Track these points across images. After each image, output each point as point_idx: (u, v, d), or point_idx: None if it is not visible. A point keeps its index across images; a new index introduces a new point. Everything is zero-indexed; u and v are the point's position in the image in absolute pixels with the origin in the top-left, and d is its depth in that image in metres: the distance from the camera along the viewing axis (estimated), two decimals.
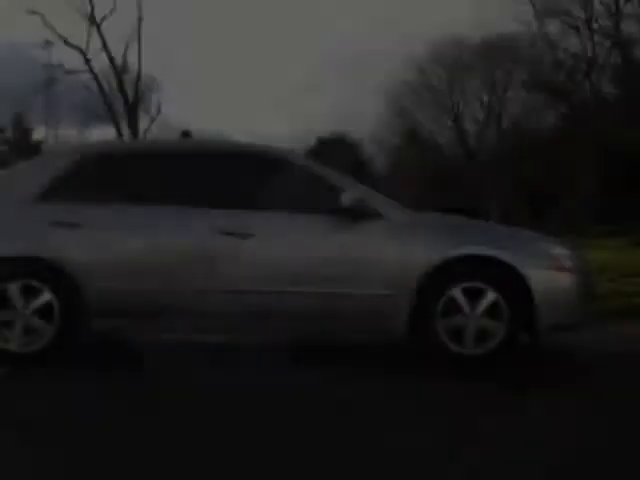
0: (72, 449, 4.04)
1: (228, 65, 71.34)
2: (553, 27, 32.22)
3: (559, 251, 6.31)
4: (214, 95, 70.32)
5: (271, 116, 73.43)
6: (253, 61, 74.77)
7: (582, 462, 3.80)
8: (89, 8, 35.92)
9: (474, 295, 6.01)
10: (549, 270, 6.12)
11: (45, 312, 6.06)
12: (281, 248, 6.19)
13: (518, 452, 3.97)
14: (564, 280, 6.15)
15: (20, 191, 6.34)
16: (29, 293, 6.07)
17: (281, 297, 6.07)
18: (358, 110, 58.81)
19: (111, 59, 36.87)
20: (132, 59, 36.96)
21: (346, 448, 4.03)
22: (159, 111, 38.19)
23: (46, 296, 6.07)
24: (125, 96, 37.05)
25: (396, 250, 6.06)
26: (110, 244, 6.20)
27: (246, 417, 4.68)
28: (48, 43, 37.92)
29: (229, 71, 73.47)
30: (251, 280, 6.07)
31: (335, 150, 44.87)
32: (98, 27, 36.36)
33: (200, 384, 5.51)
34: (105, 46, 36.59)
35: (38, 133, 49.26)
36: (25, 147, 47.32)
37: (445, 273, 6.03)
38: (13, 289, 6.04)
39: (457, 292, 6.00)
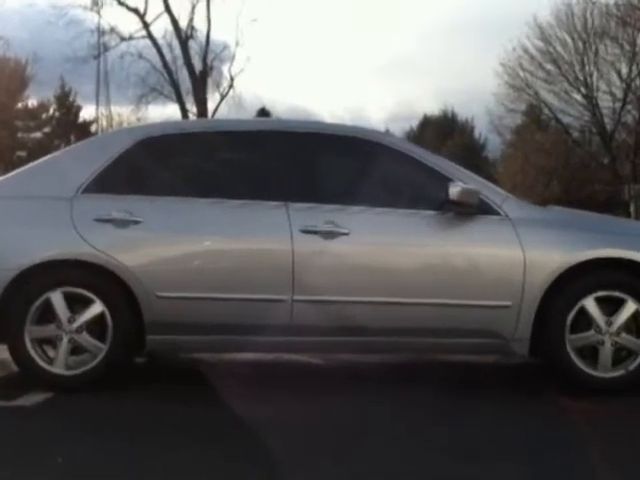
0: None
1: (315, 31, 64.59)
2: None
3: None
4: (297, 66, 64.66)
5: (368, 92, 68.54)
6: (347, 25, 68.04)
7: None
8: None
9: (611, 306, 5.58)
10: None
11: (95, 327, 5.47)
12: (376, 251, 5.70)
13: None
14: None
15: (65, 181, 5.73)
16: (76, 304, 5.46)
17: (377, 309, 5.58)
18: (470, 84, 55.87)
19: (175, 23, 33.47)
20: (200, 24, 34.20)
21: None
22: (231, 85, 35.05)
23: (97, 308, 5.45)
24: (191, 68, 34.12)
25: (516, 254, 5.57)
26: (172, 245, 5.64)
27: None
28: (97, 4, 33.78)
29: (316, 38, 66.71)
30: (341, 288, 5.57)
31: (442, 132, 44.02)
32: None
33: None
34: (167, 7, 33.23)
35: (87, 112, 44.31)
36: (71, 128, 43.18)
37: (575, 280, 5.56)
38: (57, 299, 5.42)
39: (590, 302, 5.54)
